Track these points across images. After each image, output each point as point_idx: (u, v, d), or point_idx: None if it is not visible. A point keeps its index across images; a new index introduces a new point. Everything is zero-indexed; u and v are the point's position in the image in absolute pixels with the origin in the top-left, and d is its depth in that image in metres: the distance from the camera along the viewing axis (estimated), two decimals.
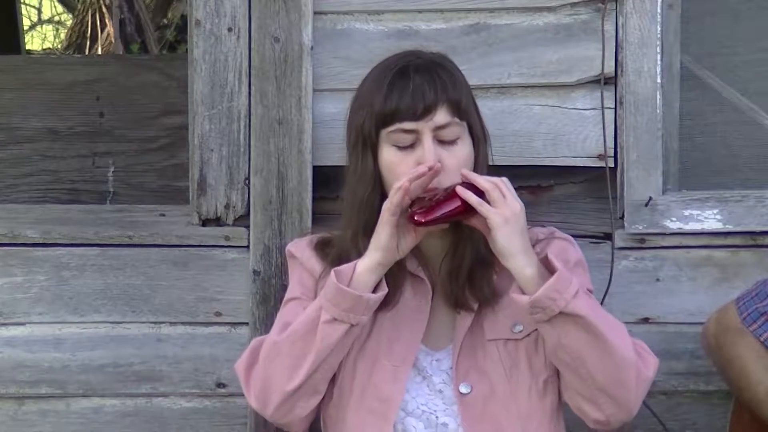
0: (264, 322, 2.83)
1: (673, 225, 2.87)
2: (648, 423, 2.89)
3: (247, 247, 2.88)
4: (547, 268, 2.30)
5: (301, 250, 2.53)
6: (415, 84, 2.38)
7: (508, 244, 2.28)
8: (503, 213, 2.28)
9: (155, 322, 2.92)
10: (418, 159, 2.37)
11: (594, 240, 2.90)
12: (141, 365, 2.92)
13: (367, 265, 2.34)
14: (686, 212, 2.87)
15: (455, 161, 2.38)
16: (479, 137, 2.45)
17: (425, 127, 2.37)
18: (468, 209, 2.30)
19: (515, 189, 2.89)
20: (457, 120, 2.39)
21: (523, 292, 2.29)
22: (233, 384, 2.89)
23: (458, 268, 2.43)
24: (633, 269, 2.90)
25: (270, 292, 2.84)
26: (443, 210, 2.31)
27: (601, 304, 2.81)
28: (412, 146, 2.38)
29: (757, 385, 2.58)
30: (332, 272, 2.33)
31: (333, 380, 2.43)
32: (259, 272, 2.86)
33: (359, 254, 2.38)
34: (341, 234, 2.48)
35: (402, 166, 2.37)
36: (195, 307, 2.91)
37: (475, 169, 2.41)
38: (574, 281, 2.27)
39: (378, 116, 2.39)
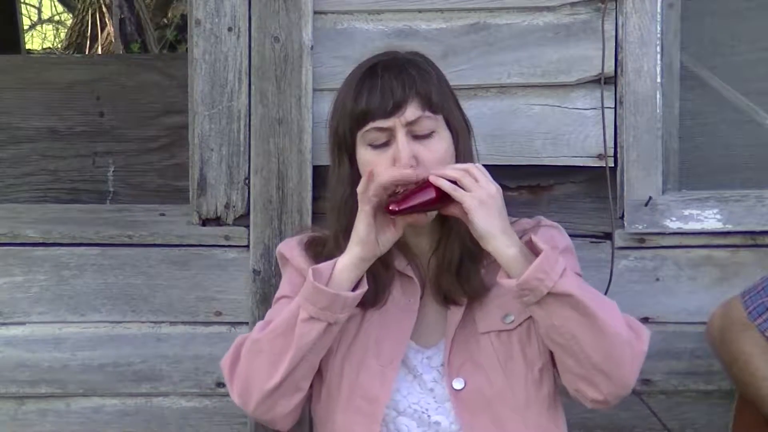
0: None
1: (673, 225, 2.87)
2: (648, 423, 2.89)
3: (247, 246, 2.88)
4: (533, 251, 2.29)
5: (290, 249, 2.53)
6: (383, 81, 2.38)
7: (487, 226, 2.27)
8: (478, 195, 2.27)
9: (155, 322, 2.92)
10: (393, 156, 2.36)
11: (594, 240, 2.90)
12: (141, 365, 2.92)
13: (347, 261, 2.33)
14: (686, 212, 2.87)
15: (431, 155, 2.37)
16: (459, 130, 2.43)
17: (397, 123, 2.36)
18: (443, 198, 2.30)
19: (515, 188, 2.91)
20: (429, 114, 2.38)
21: (509, 276, 2.29)
22: None
23: (446, 262, 2.42)
24: (633, 269, 2.90)
25: (270, 292, 2.84)
26: (418, 199, 2.30)
27: None
28: (387, 144, 2.38)
29: (762, 381, 2.58)
30: (310, 270, 2.33)
31: (321, 380, 2.44)
32: (259, 272, 2.87)
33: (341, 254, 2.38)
34: (324, 239, 2.49)
35: (378, 165, 2.36)
36: (195, 307, 2.91)
37: (458, 161, 2.40)
38: (560, 260, 2.27)
39: (351, 117, 2.39)
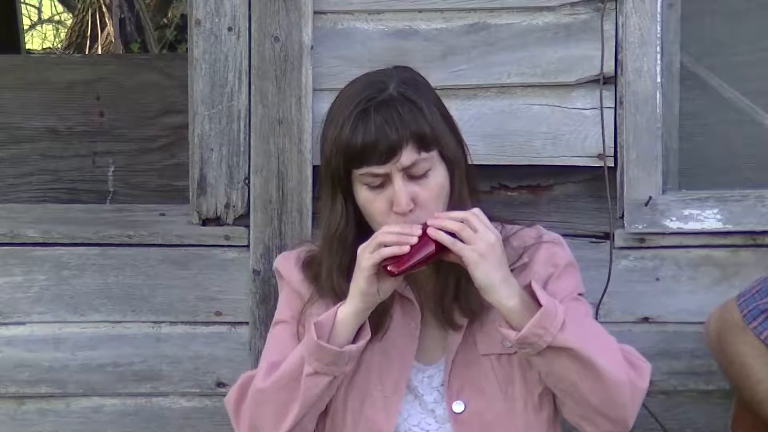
0: (264, 322, 2.83)
1: (673, 224, 2.87)
2: (647, 423, 2.88)
3: (247, 246, 2.88)
4: (534, 297, 2.27)
5: (289, 270, 2.50)
6: (377, 125, 2.31)
7: (487, 279, 2.24)
8: (478, 248, 2.24)
9: (155, 322, 2.92)
10: (390, 198, 2.33)
11: (594, 239, 2.90)
12: (141, 365, 2.92)
13: (348, 312, 2.31)
14: (686, 212, 2.87)
15: (428, 193, 2.33)
16: (453, 158, 2.38)
17: (393, 168, 2.31)
18: (443, 249, 2.26)
19: (515, 188, 2.91)
20: (424, 155, 2.33)
21: (509, 325, 2.26)
22: (233, 383, 2.88)
23: (444, 284, 2.40)
24: (633, 269, 2.89)
25: (270, 292, 2.84)
26: (417, 256, 2.27)
27: (600, 303, 2.82)
28: (383, 185, 2.34)
29: (757, 384, 2.58)
30: (312, 325, 2.30)
31: (325, 411, 2.41)
32: (259, 272, 2.87)
33: (334, 291, 2.37)
34: (321, 259, 2.45)
35: (376, 204, 2.34)
36: (195, 307, 2.91)
37: (452, 189, 2.37)
38: (559, 313, 2.24)
39: (345, 157, 2.34)
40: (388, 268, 2.27)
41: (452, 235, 2.26)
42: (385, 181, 2.34)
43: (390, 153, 2.31)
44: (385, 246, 2.27)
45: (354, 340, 2.33)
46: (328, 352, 2.29)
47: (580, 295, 2.44)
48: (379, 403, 2.39)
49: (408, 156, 2.32)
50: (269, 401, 2.36)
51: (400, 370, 2.41)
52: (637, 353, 2.38)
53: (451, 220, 2.28)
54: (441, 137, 2.36)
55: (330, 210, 2.42)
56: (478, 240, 2.25)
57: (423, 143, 2.33)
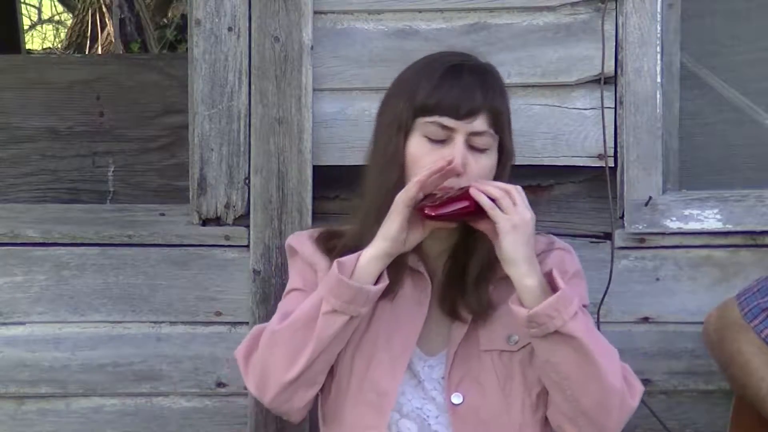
0: (264, 322, 2.82)
1: (673, 224, 2.87)
2: (648, 422, 2.89)
3: (247, 246, 2.88)
4: (550, 283, 2.30)
5: (301, 244, 2.52)
6: (467, 83, 2.38)
7: (513, 251, 2.27)
8: (512, 219, 2.28)
9: (155, 322, 2.92)
10: (444, 156, 2.36)
11: (594, 240, 2.90)
12: (141, 365, 2.92)
13: (373, 254, 2.33)
14: (686, 212, 2.87)
15: (479, 169, 2.37)
16: (507, 154, 2.44)
17: (463, 128, 2.36)
18: (478, 211, 2.30)
19: None
20: (492, 131, 2.39)
21: (521, 303, 2.28)
22: (233, 383, 2.89)
23: (455, 274, 2.42)
24: (633, 269, 2.90)
25: (270, 292, 2.84)
26: (453, 207, 2.31)
27: (601, 303, 2.82)
28: (442, 142, 2.38)
29: (759, 382, 2.58)
30: (335, 263, 2.33)
31: (331, 375, 2.43)
32: (259, 272, 2.87)
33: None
34: (356, 226, 2.46)
35: (428, 158, 2.37)
36: (195, 307, 2.91)
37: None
38: (575, 302, 2.27)
39: (420, 104, 2.38)
40: (425, 210, 2.30)
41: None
42: (447, 139, 2.37)
43: (469, 112, 2.37)
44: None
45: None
46: (348, 289, 2.30)
47: (584, 306, 2.45)
48: (386, 364, 2.41)
49: (481, 123, 2.38)
50: (282, 343, 2.36)
51: (408, 333, 2.42)
52: (634, 374, 2.39)
53: (495, 187, 2.32)
54: (506, 129, 2.44)
55: (388, 161, 2.41)
56: (514, 212, 2.29)
57: (496, 121, 2.40)
